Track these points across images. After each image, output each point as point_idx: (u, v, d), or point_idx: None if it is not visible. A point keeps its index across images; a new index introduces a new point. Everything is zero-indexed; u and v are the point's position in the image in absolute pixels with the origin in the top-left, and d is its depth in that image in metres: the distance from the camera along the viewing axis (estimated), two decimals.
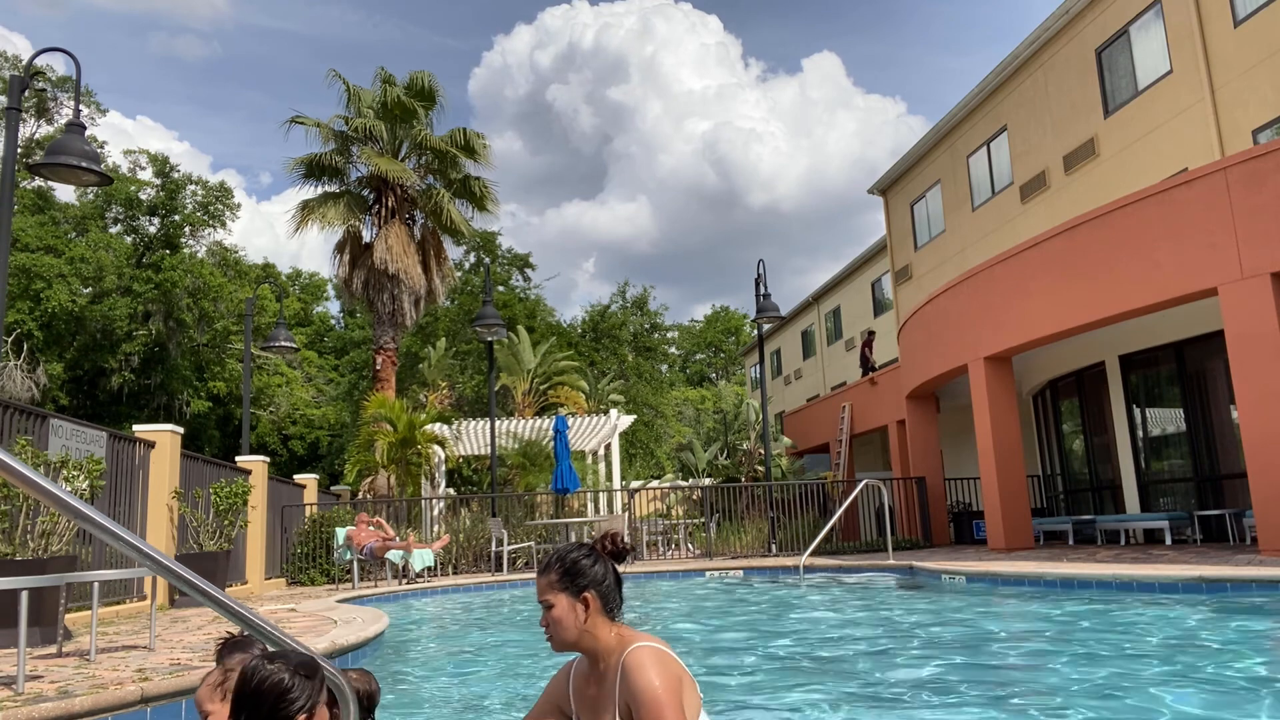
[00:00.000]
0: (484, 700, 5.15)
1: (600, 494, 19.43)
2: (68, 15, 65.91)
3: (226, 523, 11.12)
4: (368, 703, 2.74)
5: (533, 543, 15.62)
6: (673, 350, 64.05)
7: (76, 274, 32.31)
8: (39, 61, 11.82)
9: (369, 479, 18.62)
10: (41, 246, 31.97)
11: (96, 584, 6.05)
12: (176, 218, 36.74)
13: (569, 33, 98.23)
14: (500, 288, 40.74)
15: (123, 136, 66.69)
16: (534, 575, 2.51)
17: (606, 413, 21.31)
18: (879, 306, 28.35)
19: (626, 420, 21.58)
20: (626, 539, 2.53)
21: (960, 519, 17.41)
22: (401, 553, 13.10)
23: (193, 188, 37.10)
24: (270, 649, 2.19)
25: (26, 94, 10.77)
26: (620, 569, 2.51)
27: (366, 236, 22.09)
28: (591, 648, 2.38)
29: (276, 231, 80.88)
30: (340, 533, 13.69)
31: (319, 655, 2.14)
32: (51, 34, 65.73)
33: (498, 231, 42.96)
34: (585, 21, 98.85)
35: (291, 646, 2.21)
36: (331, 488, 23.16)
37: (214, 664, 2.58)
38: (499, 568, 14.81)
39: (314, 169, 21.81)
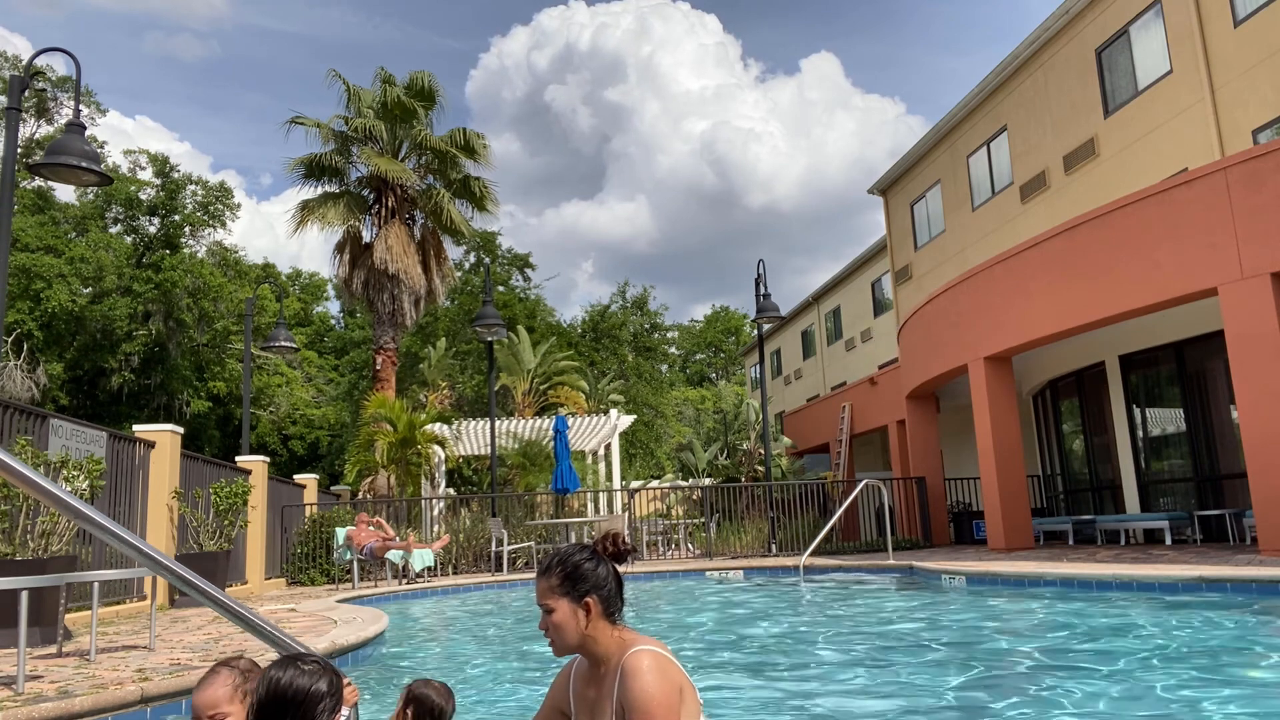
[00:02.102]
0: (484, 700, 5.15)
1: (600, 494, 19.43)
2: (66, 15, 65.95)
3: (226, 523, 11.12)
4: (439, 717, 2.70)
5: (533, 543, 15.62)
6: (673, 350, 64.05)
7: (76, 274, 32.31)
8: (39, 61, 11.83)
9: (369, 479, 18.63)
10: (41, 246, 31.97)
11: (96, 584, 6.05)
12: (176, 218, 36.74)
13: (566, 33, 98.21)
14: (500, 288, 40.73)
15: (123, 136, 66.79)
16: (534, 575, 2.47)
17: (606, 413, 21.31)
18: (879, 306, 28.33)
19: (626, 420, 21.58)
20: (628, 539, 2.50)
21: (960, 519, 17.42)
22: (401, 553, 13.10)
23: (193, 188, 37.11)
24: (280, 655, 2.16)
25: (26, 94, 10.78)
26: (621, 569, 2.49)
27: (366, 236, 22.09)
28: (593, 651, 2.36)
29: (276, 232, 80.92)
30: (340, 533, 13.69)
31: (320, 654, 2.14)
32: (51, 34, 65.77)
33: (497, 232, 42.99)
34: (582, 22, 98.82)
35: (294, 649, 2.20)
36: (331, 488, 23.16)
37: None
38: (499, 568, 14.81)
39: (314, 169, 21.81)
